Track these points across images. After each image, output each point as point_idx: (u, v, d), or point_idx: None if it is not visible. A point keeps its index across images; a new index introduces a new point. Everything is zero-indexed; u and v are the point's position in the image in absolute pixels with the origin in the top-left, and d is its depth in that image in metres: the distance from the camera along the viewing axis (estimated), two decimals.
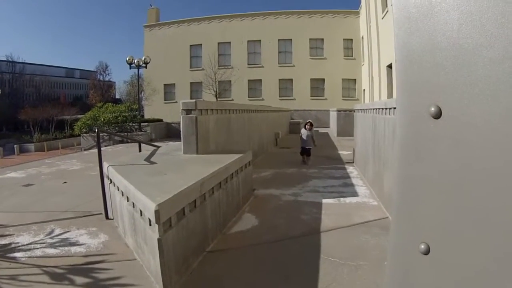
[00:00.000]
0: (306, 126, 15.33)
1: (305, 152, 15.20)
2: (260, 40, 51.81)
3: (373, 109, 9.77)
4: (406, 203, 1.39)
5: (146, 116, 46.53)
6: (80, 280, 5.20)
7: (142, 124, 34.22)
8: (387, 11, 29.46)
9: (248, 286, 4.71)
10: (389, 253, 1.52)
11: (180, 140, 9.28)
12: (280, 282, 4.68)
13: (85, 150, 29.32)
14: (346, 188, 10.09)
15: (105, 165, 8.07)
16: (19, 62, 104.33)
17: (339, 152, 18.08)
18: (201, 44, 53.61)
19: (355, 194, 9.49)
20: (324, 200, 8.84)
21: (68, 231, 7.41)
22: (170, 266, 4.73)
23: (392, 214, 1.53)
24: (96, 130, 8.87)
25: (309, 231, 6.80)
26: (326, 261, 5.37)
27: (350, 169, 13.07)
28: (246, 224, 7.33)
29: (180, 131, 9.28)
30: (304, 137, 15.14)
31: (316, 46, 50.71)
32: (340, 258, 5.40)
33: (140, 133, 31.73)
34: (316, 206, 8.33)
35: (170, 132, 36.98)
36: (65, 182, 13.00)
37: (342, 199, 9.02)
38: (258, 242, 6.33)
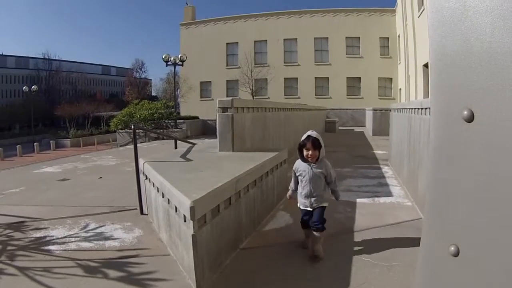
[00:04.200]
0: (307, 152, 5.66)
1: (310, 222, 5.79)
2: (296, 39, 51.84)
3: (409, 108, 9.68)
4: (437, 205, 1.40)
5: (182, 113, 46.87)
6: (113, 273, 5.31)
7: (178, 121, 34.50)
8: (423, 9, 29.10)
9: (280, 284, 4.74)
10: (419, 254, 1.53)
11: (215, 138, 9.32)
12: (313, 281, 4.70)
13: (120, 146, 29.76)
14: (381, 188, 10.01)
15: (141, 161, 8.18)
16: (55, 60, 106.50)
17: (374, 151, 17.91)
18: (237, 42, 53.89)
19: (389, 194, 9.41)
20: (358, 200, 8.80)
21: (102, 225, 7.54)
22: (203, 262, 4.79)
23: (423, 215, 1.54)
24: (133, 126, 8.99)
25: (343, 230, 6.79)
26: (359, 260, 5.36)
27: (385, 168, 12.95)
28: (280, 221, 7.36)
29: (216, 129, 9.34)
30: (304, 181, 5.76)
31: (352, 44, 50.51)
32: (372, 258, 5.39)
33: (176, 130, 31.98)
34: (350, 205, 8.31)
35: (206, 129, 37.17)
36: (100, 177, 13.21)
37: (376, 198, 8.96)
38: (292, 240, 6.35)
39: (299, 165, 5.79)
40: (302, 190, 5.71)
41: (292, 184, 5.96)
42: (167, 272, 5.29)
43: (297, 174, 5.79)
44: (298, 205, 5.90)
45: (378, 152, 17.46)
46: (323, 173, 5.62)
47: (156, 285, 4.94)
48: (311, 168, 5.58)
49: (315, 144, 5.51)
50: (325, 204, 5.73)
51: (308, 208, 5.72)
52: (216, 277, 5.02)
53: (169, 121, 33.90)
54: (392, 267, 5.07)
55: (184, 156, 8.54)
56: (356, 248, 5.87)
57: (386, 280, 4.72)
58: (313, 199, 5.64)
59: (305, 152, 5.56)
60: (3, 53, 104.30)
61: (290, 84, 52.46)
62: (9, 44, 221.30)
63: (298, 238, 6.33)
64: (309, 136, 5.62)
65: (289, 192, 6.04)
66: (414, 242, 5.88)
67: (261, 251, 5.93)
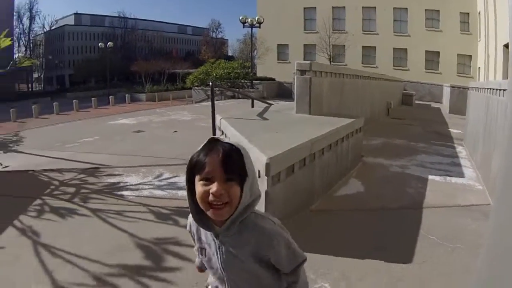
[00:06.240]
0: (204, 187, 1.75)
1: None
2: (375, 7, 50.42)
3: (487, 88, 9.40)
4: (508, 193, 1.36)
5: (258, 74, 46.77)
6: (184, 221, 5.48)
7: (254, 81, 34.72)
8: None
9: (345, 249, 4.83)
10: (486, 241, 1.51)
11: (291, 100, 9.36)
12: (376, 250, 4.75)
13: (196, 102, 30.15)
14: (453, 168, 9.80)
15: (217, 117, 8.35)
16: (131, 18, 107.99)
17: (449, 129, 17.44)
18: (315, 7, 52.98)
19: (461, 174, 9.20)
20: (430, 177, 8.65)
21: (176, 176, 7.81)
22: None
23: (493, 202, 1.54)
24: (211, 83, 9.15)
25: (412, 205, 6.75)
26: (424, 237, 5.33)
27: (459, 148, 12.63)
28: (351, 188, 7.37)
29: (291, 92, 9.38)
30: (213, 267, 2.06)
31: (432, 17, 48.74)
32: (437, 237, 5.34)
33: (252, 90, 32.21)
34: (421, 181, 8.20)
35: (282, 91, 37.04)
36: (175, 131, 13.53)
37: (448, 178, 8.76)
38: (362, 208, 6.42)
39: (196, 228, 2.11)
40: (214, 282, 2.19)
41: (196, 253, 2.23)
42: None
43: (197, 245, 2.14)
44: None
45: (453, 130, 17.03)
46: (257, 256, 1.94)
47: None
48: (220, 245, 1.96)
49: (230, 160, 1.80)
50: None
51: None
52: None
53: (245, 81, 34.14)
54: (456, 248, 5.02)
55: (261, 115, 8.65)
56: (423, 225, 5.81)
57: (449, 260, 4.69)
58: None
59: (200, 188, 1.78)
60: (78, 12, 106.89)
61: (368, 53, 51.35)
62: (83, 4, 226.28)
63: (370, 207, 6.42)
64: (213, 142, 1.89)
65: (197, 261, 2.32)
66: (480, 227, 5.80)
67: (331, 215, 6.02)
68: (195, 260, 2.37)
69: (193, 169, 1.84)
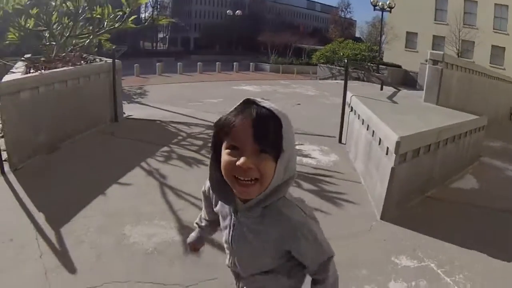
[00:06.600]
0: (230, 157, 1.47)
1: None
2: (507, 6, 47.56)
3: None
4: None
5: (385, 60, 45.93)
6: (307, 186, 5.99)
7: (380, 66, 34.46)
8: None
9: (454, 238, 4.95)
10: None
11: (415, 89, 9.41)
12: (482, 244, 4.85)
13: (320, 79, 30.17)
14: None
15: (348, 94, 8.62)
16: None
17: None
18: None
19: None
20: None
21: (301, 144, 8.19)
22: (393, 196, 5.17)
23: None
24: (346, 60, 9.39)
25: None
26: None
27: None
28: (466, 184, 7.34)
29: (416, 81, 9.46)
30: (224, 236, 1.85)
31: None
32: None
33: (377, 74, 31.82)
34: None
35: (406, 80, 36.05)
36: (298, 104, 13.82)
37: None
38: (474, 204, 6.39)
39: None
40: (226, 254, 1.96)
41: (202, 216, 2.25)
42: (355, 197, 5.79)
43: (215, 209, 1.94)
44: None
45: None
46: (275, 248, 1.70)
47: (344, 204, 5.51)
48: (237, 220, 1.73)
49: (264, 128, 1.45)
50: None
51: None
52: (399, 213, 5.35)
53: (371, 64, 33.88)
54: None
55: (390, 98, 8.84)
56: None
57: None
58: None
59: (226, 157, 1.50)
60: None
61: (497, 53, 48.52)
62: None
63: (481, 204, 6.39)
64: (248, 103, 1.53)
65: (192, 237, 2.29)
66: None
67: (444, 204, 6.13)
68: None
69: (220, 132, 1.54)
